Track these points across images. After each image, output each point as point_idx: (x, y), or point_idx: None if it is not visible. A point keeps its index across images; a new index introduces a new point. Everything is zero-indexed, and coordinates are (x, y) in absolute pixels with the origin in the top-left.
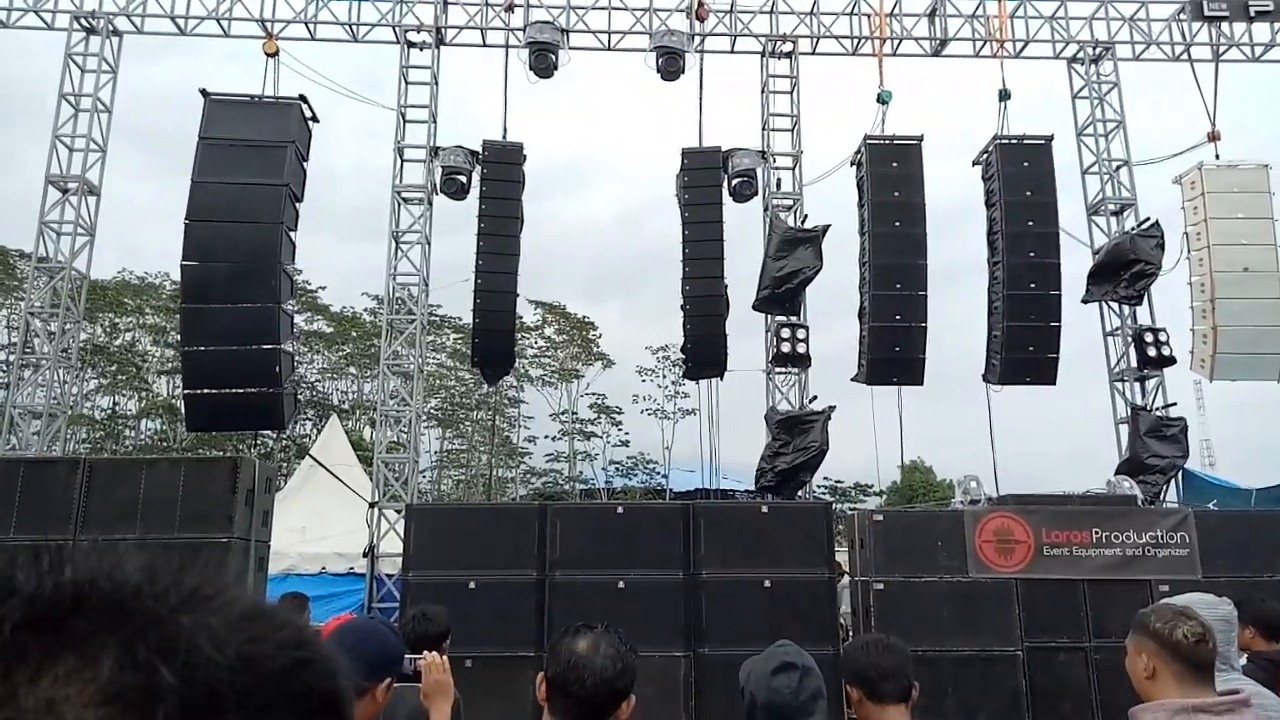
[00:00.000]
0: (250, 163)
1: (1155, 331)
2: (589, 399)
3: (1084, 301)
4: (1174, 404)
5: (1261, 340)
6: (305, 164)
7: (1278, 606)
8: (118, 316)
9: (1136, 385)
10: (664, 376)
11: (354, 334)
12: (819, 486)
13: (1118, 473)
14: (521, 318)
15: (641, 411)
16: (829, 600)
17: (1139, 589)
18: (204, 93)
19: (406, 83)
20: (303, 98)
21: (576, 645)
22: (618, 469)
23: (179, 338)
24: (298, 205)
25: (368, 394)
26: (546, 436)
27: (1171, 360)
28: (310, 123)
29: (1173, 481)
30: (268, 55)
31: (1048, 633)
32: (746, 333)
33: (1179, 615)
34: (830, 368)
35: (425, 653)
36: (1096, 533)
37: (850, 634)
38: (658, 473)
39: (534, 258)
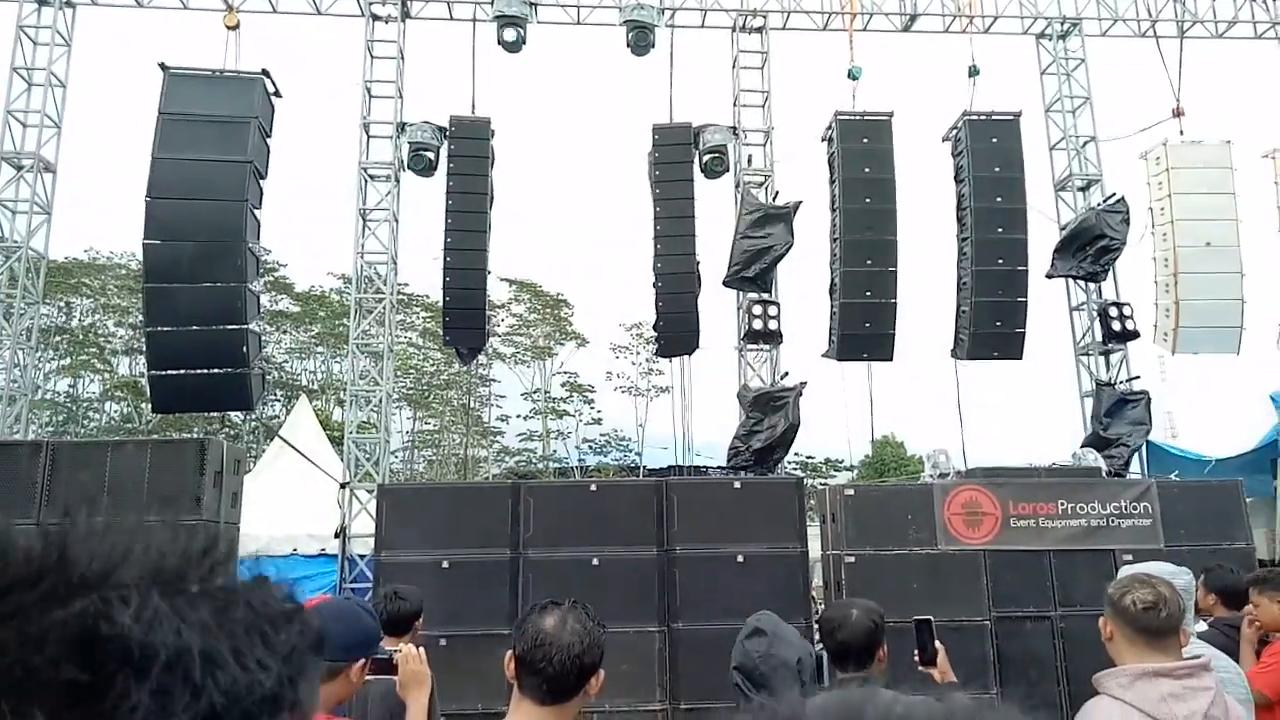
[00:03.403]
0: (212, 139)
1: (1120, 306)
2: (562, 378)
3: (1048, 276)
4: (1137, 377)
5: (1222, 314)
6: (269, 140)
7: (1240, 576)
8: (77, 298)
9: (1101, 359)
10: (637, 353)
11: (322, 313)
12: (790, 462)
13: (1083, 445)
14: (490, 296)
15: (615, 389)
16: (801, 574)
17: (1103, 559)
18: (163, 66)
19: (372, 57)
20: (266, 72)
21: (543, 623)
22: (591, 447)
23: (142, 318)
24: (262, 182)
25: (337, 374)
26: (519, 416)
27: (1135, 334)
28: (274, 98)
29: (1137, 454)
30: (228, 29)
31: (1015, 603)
32: (721, 309)
33: (1134, 582)
34: (801, 343)
35: (401, 645)
36: (1062, 504)
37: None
38: (631, 450)
39: (506, 233)
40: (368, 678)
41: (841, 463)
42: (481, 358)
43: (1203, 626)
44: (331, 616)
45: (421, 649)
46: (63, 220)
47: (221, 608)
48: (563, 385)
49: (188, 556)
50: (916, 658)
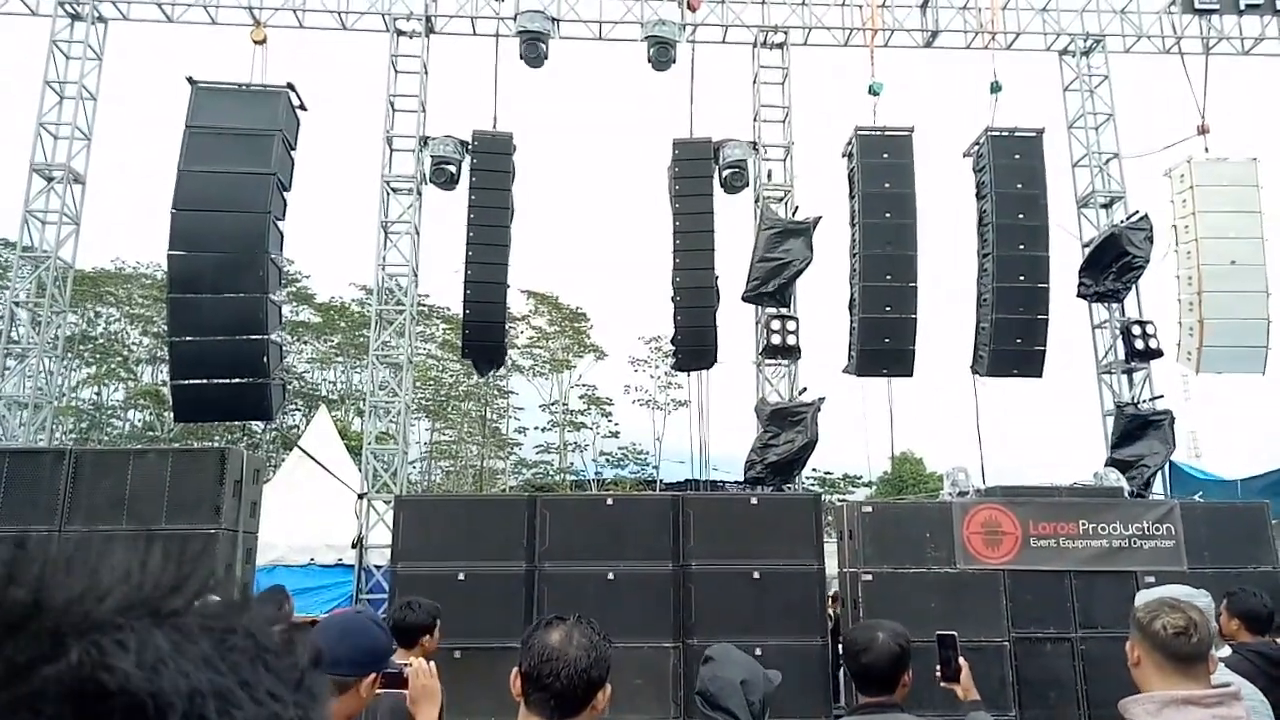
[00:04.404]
0: (237, 151)
1: (1143, 324)
2: (580, 390)
3: (1079, 296)
4: (1160, 396)
5: (1247, 333)
6: (293, 153)
7: (1264, 601)
8: (101, 306)
9: (1124, 378)
10: (656, 367)
11: (342, 324)
12: (809, 477)
13: (1105, 465)
14: (509, 309)
15: (633, 402)
16: (817, 591)
17: (1125, 580)
18: (190, 80)
19: (396, 71)
20: (291, 86)
21: (549, 638)
22: (608, 460)
23: (166, 328)
24: (286, 195)
25: (356, 384)
26: (536, 427)
27: (1159, 353)
28: (299, 111)
29: (1159, 474)
30: (255, 43)
31: (1034, 623)
32: (740, 324)
33: (1163, 606)
34: (820, 359)
35: (412, 659)
36: (1083, 524)
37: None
38: (648, 464)
39: (526, 246)
40: (378, 691)
41: (860, 479)
42: (500, 369)
43: (1226, 652)
44: (341, 630)
45: (433, 663)
46: (90, 230)
47: (220, 639)
48: (581, 398)
49: (172, 579)
50: (939, 673)
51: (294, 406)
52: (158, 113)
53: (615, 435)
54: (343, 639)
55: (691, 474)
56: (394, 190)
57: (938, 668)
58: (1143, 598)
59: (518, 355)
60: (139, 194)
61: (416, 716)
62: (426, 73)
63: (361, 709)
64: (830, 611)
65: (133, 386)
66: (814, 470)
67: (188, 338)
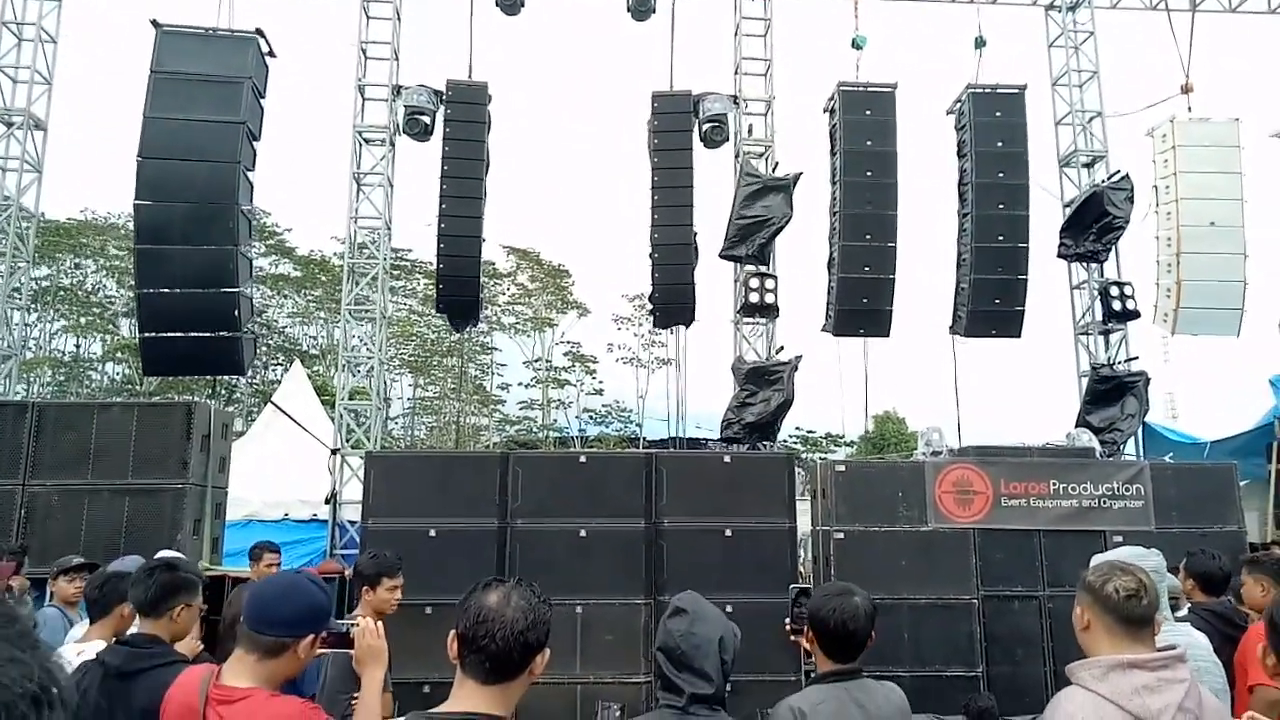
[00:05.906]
0: (205, 99)
1: (1121, 285)
2: (564, 347)
3: (1060, 257)
4: (1136, 358)
5: (1224, 295)
6: (263, 101)
7: (1219, 562)
8: (80, 258)
9: (1101, 339)
10: (640, 325)
11: (323, 278)
12: (790, 437)
13: (1078, 425)
14: (493, 264)
15: (617, 360)
16: (789, 550)
17: (1094, 540)
18: (155, 23)
19: (368, 17)
20: (259, 31)
21: (486, 599)
22: (592, 417)
23: (134, 280)
24: (255, 144)
25: (337, 339)
26: (520, 384)
27: (1136, 314)
28: (268, 58)
29: (1133, 436)
30: None
31: (1003, 582)
32: (721, 281)
33: (1114, 569)
34: (799, 317)
35: (359, 619)
36: (1054, 484)
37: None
38: (632, 421)
39: (505, 201)
40: (323, 651)
41: (842, 438)
42: (483, 325)
43: (1184, 611)
44: (278, 591)
45: (380, 623)
46: (55, 178)
47: None
48: (565, 355)
49: None
50: (789, 626)
51: (276, 361)
52: (122, 57)
53: (599, 392)
54: (279, 600)
55: (669, 431)
56: (366, 141)
57: (788, 620)
58: (1098, 561)
59: (500, 312)
60: (106, 141)
61: (362, 676)
62: (399, 19)
63: (300, 670)
64: (801, 569)
65: (110, 340)
66: (796, 429)
67: (156, 289)
